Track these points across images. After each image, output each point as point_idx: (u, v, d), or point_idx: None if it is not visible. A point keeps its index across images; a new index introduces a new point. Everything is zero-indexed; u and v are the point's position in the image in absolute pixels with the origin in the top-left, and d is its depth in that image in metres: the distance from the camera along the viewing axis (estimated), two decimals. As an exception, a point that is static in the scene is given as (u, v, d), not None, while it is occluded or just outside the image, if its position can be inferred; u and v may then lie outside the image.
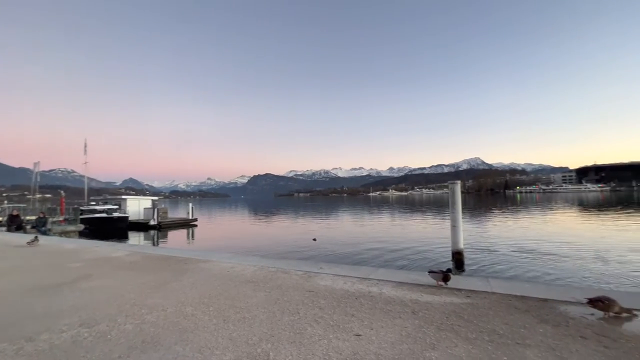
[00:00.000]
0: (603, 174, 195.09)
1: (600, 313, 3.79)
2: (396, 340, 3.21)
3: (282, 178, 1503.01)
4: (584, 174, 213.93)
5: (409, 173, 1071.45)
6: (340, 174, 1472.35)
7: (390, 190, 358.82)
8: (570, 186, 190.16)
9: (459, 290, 4.90)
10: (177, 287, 5.34)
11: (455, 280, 5.14)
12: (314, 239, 16.40)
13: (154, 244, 18.55)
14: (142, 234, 22.68)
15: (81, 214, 24.65)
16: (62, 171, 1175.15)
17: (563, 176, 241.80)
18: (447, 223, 9.39)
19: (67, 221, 22.78)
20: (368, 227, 23.32)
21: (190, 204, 30.12)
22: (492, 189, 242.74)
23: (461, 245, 9.23)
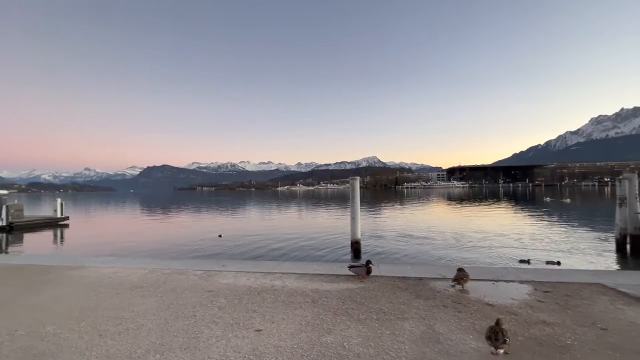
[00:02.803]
0: (464, 174, 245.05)
1: (458, 285, 4.76)
2: (296, 331, 3.32)
3: (183, 170, 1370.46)
4: (452, 173, 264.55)
5: (316, 169, 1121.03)
6: (249, 168, 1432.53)
7: (298, 185, 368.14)
8: (442, 183, 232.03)
9: (355, 276, 5.39)
10: (33, 303, 4.30)
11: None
12: (220, 235, 15.54)
13: (0, 251, 14.42)
14: (-20, 239, 17.32)
15: None
16: None
17: (438, 175, 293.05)
18: (348, 215, 10.22)
19: None
20: (276, 221, 23.40)
21: (59, 200, 24.33)
22: (386, 184, 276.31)
23: (359, 235, 10.18)
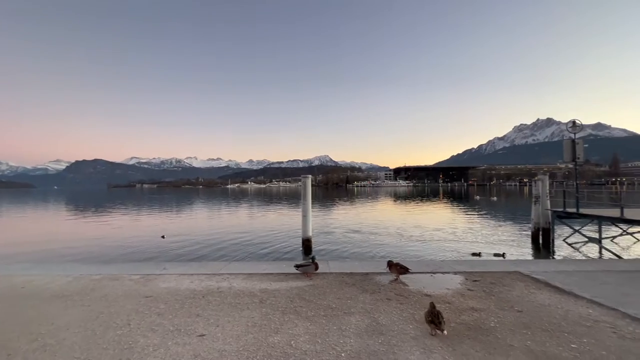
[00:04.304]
0: (409, 173, 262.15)
1: (408, 274, 5.05)
2: (242, 333, 3.22)
3: (120, 166, 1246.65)
4: (398, 173, 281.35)
5: (268, 166, 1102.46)
6: (196, 164, 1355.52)
7: (249, 183, 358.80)
8: (389, 182, 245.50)
9: (304, 273, 5.42)
10: None
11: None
12: (162, 237, 14.46)
13: None
14: None
15: None
16: None
17: (385, 174, 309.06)
18: (299, 213, 10.23)
19: None
20: (225, 219, 22.49)
21: (-43, 198, 20.46)
22: (337, 183, 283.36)
23: (310, 233, 10.26)
